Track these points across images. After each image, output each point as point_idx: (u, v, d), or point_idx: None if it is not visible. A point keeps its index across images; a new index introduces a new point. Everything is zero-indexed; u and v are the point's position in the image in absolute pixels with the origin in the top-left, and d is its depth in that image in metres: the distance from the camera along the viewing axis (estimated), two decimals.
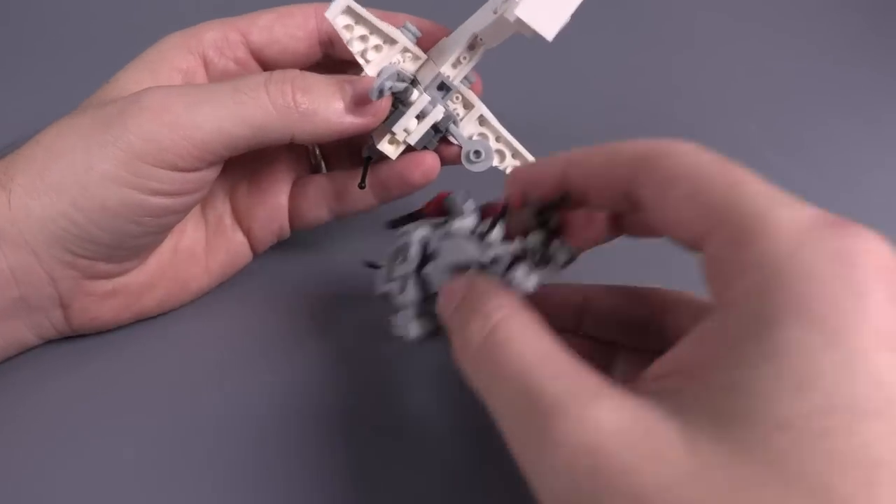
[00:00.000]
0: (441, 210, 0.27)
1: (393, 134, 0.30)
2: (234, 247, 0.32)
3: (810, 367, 0.15)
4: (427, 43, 0.31)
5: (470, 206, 0.26)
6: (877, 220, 0.21)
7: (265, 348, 0.31)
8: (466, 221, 0.26)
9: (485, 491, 0.27)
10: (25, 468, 0.27)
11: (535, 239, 0.24)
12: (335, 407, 0.29)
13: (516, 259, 0.24)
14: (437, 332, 0.26)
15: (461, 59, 0.30)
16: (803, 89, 0.46)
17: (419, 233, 0.26)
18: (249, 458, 0.27)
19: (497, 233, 0.25)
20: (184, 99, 0.26)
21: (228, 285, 0.33)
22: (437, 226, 0.26)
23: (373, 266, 0.28)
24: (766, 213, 0.17)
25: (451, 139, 0.31)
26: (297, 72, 0.28)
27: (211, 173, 0.28)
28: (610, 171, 0.21)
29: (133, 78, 0.29)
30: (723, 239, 0.17)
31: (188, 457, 0.27)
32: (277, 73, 0.27)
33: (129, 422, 0.28)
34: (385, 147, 0.30)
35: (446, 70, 0.30)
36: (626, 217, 0.24)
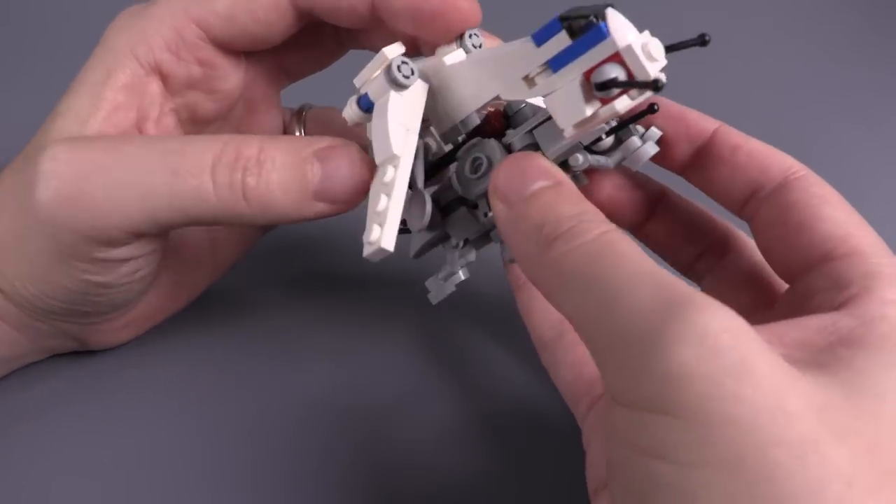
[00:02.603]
0: (490, 132, 0.23)
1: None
2: (242, 234, 0.30)
3: None
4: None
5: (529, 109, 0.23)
6: (876, 220, 0.22)
7: (269, 350, 0.31)
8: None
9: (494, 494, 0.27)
10: (28, 479, 0.27)
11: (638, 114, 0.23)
12: (350, 409, 0.29)
13: (618, 138, 0.23)
14: None
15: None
16: (803, 89, 0.46)
17: (491, 142, 0.23)
18: (257, 464, 0.27)
19: None
20: (102, 178, 0.22)
21: (231, 278, 0.32)
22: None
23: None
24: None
25: None
26: (255, 146, 0.23)
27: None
28: (758, 167, 0.23)
29: (73, 107, 0.24)
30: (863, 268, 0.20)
31: (191, 463, 0.27)
32: (229, 151, 0.22)
33: (134, 428, 0.28)
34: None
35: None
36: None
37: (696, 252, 0.26)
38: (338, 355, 0.31)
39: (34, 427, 0.28)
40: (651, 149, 0.23)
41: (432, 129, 0.25)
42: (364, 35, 0.27)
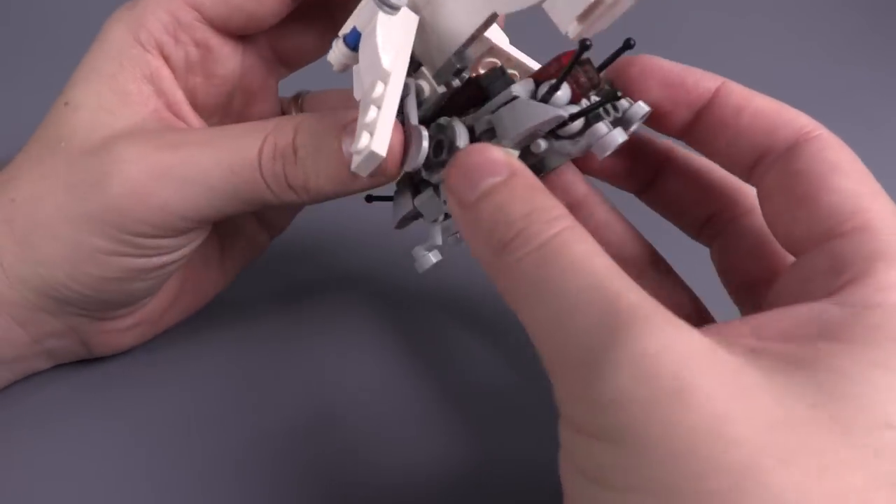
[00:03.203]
0: (469, 100, 0.22)
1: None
2: (251, 239, 0.31)
3: None
4: None
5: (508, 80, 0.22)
6: None
7: (271, 358, 0.31)
8: (521, 87, 0.21)
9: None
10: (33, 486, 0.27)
11: (603, 96, 0.21)
12: (362, 414, 0.29)
13: (587, 121, 0.21)
14: None
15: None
16: (803, 89, 0.46)
17: (454, 123, 0.21)
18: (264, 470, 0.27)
19: (564, 92, 0.21)
20: (172, 179, 0.23)
21: (233, 289, 0.32)
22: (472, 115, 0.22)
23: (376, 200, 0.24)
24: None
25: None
26: (289, 134, 0.23)
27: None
28: (764, 130, 0.21)
29: (93, 99, 0.25)
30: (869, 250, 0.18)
31: (193, 464, 0.27)
32: (269, 144, 0.23)
33: (134, 436, 0.28)
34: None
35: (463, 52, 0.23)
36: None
37: (706, 215, 0.25)
38: (347, 363, 0.31)
39: (37, 434, 0.28)
40: (619, 136, 0.21)
41: (424, 69, 0.24)
42: None
